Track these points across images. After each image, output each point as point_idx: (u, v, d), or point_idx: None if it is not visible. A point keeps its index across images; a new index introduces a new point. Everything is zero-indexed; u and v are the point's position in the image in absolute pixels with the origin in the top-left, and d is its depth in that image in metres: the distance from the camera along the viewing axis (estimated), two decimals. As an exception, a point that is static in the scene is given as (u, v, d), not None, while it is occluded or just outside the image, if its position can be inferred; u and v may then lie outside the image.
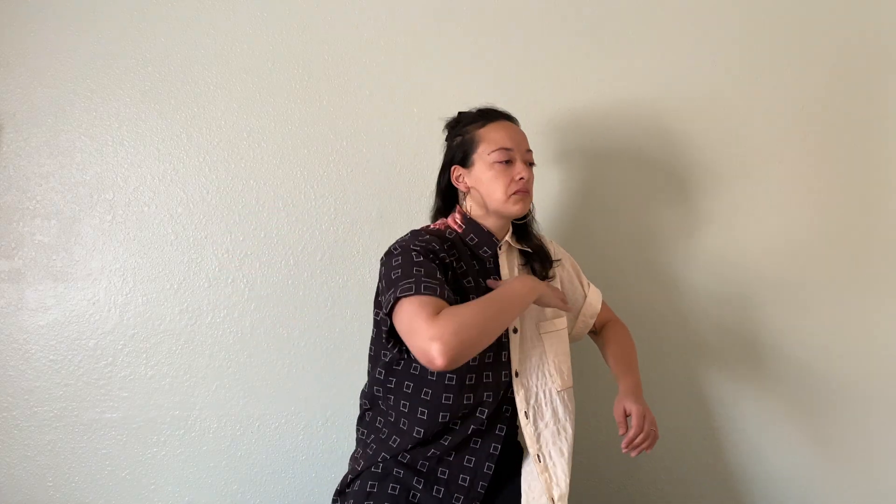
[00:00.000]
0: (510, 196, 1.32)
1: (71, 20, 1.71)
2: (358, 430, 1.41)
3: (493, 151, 1.32)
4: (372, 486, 1.28)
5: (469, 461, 1.30)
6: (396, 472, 1.29)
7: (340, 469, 1.64)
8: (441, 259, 1.26)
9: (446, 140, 1.42)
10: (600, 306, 1.54)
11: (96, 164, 1.70)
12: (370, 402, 1.38)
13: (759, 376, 1.76)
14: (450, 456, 1.30)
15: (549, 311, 1.41)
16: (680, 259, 1.76)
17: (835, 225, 1.77)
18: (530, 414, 1.33)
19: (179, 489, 1.70)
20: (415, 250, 1.24)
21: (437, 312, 1.12)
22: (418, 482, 1.28)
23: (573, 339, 1.52)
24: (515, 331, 1.35)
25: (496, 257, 1.37)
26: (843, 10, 1.79)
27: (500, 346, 1.32)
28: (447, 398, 1.28)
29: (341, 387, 1.70)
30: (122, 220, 1.70)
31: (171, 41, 1.72)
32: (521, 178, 1.32)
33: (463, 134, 1.37)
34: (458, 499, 1.27)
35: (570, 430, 1.35)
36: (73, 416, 1.68)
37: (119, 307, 1.69)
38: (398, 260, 1.24)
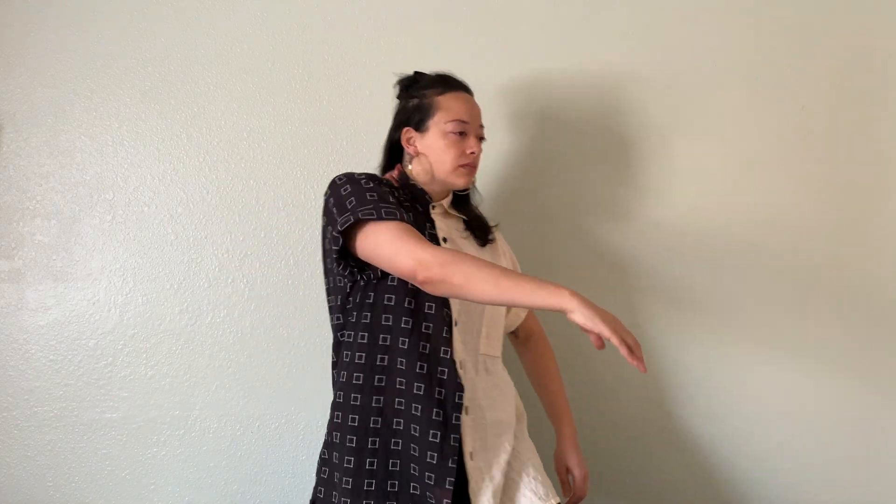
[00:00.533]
0: (457, 167, 1.34)
1: (71, 20, 1.71)
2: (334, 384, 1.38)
3: (449, 121, 1.34)
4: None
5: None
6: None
7: (340, 469, 1.64)
8: (391, 189, 1.29)
9: (398, 97, 1.43)
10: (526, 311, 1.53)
11: (96, 164, 1.70)
12: (336, 354, 1.36)
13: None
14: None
15: None
16: (681, 259, 1.76)
17: (835, 224, 1.77)
18: (466, 365, 1.29)
19: (179, 489, 1.70)
20: (362, 176, 1.27)
21: (417, 237, 1.17)
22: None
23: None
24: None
25: (428, 213, 1.36)
26: (843, 9, 1.79)
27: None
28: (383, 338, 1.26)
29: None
30: (122, 220, 1.70)
31: (171, 41, 1.72)
32: (472, 153, 1.35)
33: (420, 97, 1.37)
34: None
35: (505, 391, 1.35)
36: (73, 416, 1.68)
37: (119, 307, 1.69)
38: (346, 188, 1.26)
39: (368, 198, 1.22)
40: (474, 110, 1.38)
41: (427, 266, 1.14)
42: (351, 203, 1.23)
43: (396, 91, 1.44)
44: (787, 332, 1.76)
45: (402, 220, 1.20)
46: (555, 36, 1.77)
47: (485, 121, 1.42)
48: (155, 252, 1.70)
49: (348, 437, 1.27)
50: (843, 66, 1.79)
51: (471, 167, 1.36)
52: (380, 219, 1.19)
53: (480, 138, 1.38)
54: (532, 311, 1.56)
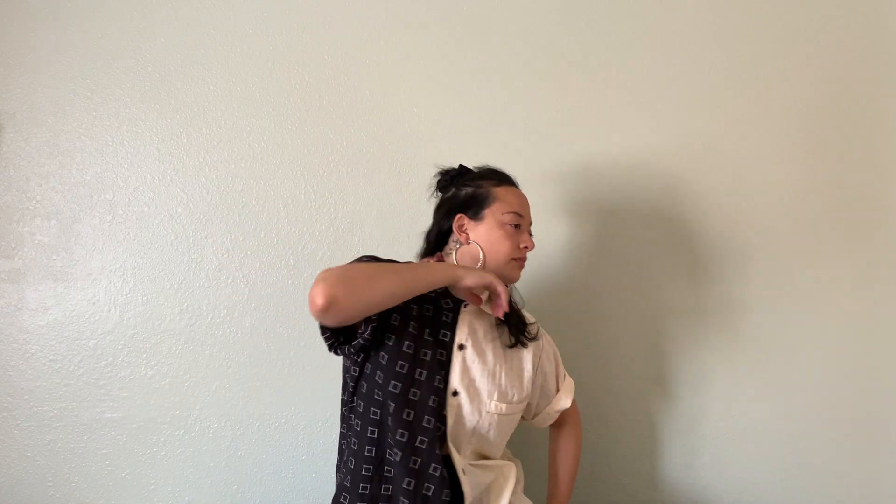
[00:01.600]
0: (511, 260, 1.31)
1: (71, 20, 1.71)
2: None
3: (507, 213, 1.31)
4: None
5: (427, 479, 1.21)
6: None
7: (340, 469, 1.64)
8: None
9: (441, 188, 1.41)
10: (568, 405, 1.44)
11: (96, 164, 1.70)
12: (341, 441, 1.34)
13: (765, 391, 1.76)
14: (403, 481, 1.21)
15: (517, 379, 1.33)
16: (681, 260, 1.77)
17: (834, 225, 1.77)
18: (468, 471, 1.25)
19: (179, 489, 1.70)
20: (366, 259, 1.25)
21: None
22: None
23: (533, 424, 1.48)
24: (455, 394, 1.26)
25: (456, 313, 1.31)
26: (843, 9, 1.79)
27: (434, 403, 1.23)
28: (390, 407, 1.21)
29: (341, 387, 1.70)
30: (122, 220, 1.70)
31: (171, 41, 1.73)
32: (525, 248, 1.32)
33: (476, 186, 1.35)
34: None
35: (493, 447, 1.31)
36: (73, 416, 1.68)
37: (119, 307, 1.69)
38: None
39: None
40: (527, 206, 1.36)
41: (325, 282, 1.08)
42: None
43: (438, 182, 1.42)
44: (787, 332, 1.76)
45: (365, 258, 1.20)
46: (554, 43, 1.78)
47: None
48: (155, 252, 1.70)
49: None
50: (842, 65, 1.79)
51: (522, 261, 1.33)
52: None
53: (530, 235, 1.36)
54: (575, 403, 1.49)
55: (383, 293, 1.13)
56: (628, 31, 1.78)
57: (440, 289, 1.30)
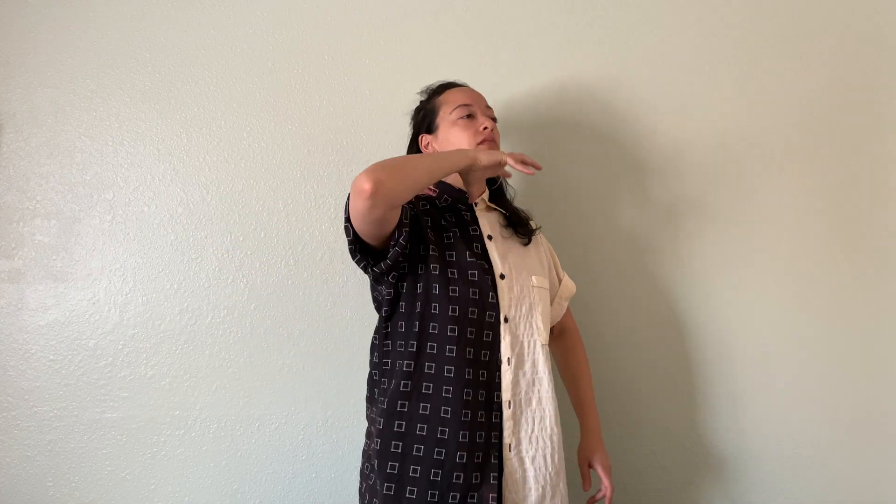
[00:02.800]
0: (477, 146, 1.37)
1: (71, 20, 1.71)
2: (368, 411, 1.38)
3: (454, 109, 1.40)
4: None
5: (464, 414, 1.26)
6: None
7: (340, 469, 1.65)
8: (414, 205, 1.34)
9: (411, 120, 1.52)
10: (574, 291, 1.57)
11: (96, 164, 1.70)
12: (372, 383, 1.37)
13: (757, 381, 1.76)
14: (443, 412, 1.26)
15: (538, 267, 1.43)
16: (671, 259, 1.76)
17: (835, 225, 1.77)
18: (513, 360, 1.32)
19: (179, 489, 1.70)
20: None
21: None
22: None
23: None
24: (503, 276, 1.34)
25: (473, 212, 1.41)
26: (843, 9, 1.79)
27: (488, 287, 1.31)
28: (433, 327, 1.28)
29: (341, 387, 1.70)
30: (122, 220, 1.70)
31: (172, 41, 1.73)
32: (486, 128, 1.38)
33: (424, 107, 1.47)
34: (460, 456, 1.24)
35: (545, 383, 1.34)
36: (73, 416, 1.68)
37: (119, 307, 1.69)
38: None
39: None
40: (475, 94, 1.43)
41: (368, 171, 1.16)
42: None
43: (411, 125, 1.52)
44: (790, 330, 1.76)
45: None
46: (555, 43, 1.78)
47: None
48: (155, 252, 1.70)
49: (393, 442, 1.26)
50: (842, 66, 1.79)
51: (489, 142, 1.38)
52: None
53: (492, 118, 1.42)
54: (569, 309, 1.59)
55: (420, 174, 1.22)
56: (623, 42, 1.78)
57: (454, 196, 1.40)
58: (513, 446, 1.30)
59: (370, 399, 1.37)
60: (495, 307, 1.32)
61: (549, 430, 1.33)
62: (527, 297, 1.36)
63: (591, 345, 1.69)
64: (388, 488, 1.24)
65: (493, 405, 1.29)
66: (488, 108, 1.44)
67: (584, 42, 1.78)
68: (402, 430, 1.26)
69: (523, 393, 1.32)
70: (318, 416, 1.71)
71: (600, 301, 1.75)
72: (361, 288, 1.71)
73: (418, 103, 1.51)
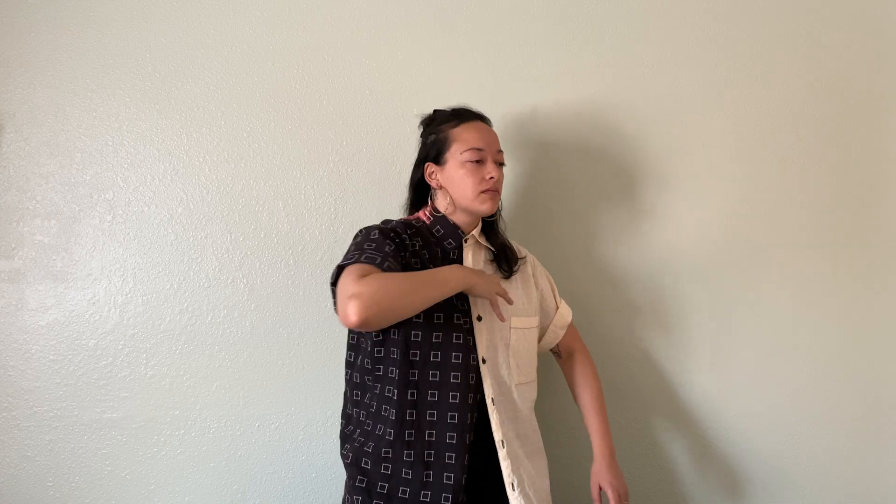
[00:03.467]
0: (479, 194, 1.37)
1: (71, 20, 1.71)
2: (342, 448, 1.39)
3: (465, 151, 1.37)
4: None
5: (448, 457, 1.29)
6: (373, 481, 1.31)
7: (340, 469, 1.64)
8: (402, 240, 1.32)
9: (421, 136, 1.47)
10: (570, 319, 1.58)
11: (96, 164, 1.70)
12: (347, 417, 1.40)
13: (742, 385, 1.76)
14: (424, 452, 1.29)
15: (521, 307, 1.44)
16: (672, 258, 1.76)
17: (832, 224, 1.77)
18: (497, 401, 1.34)
19: (179, 489, 1.70)
20: (375, 230, 1.32)
21: (365, 272, 1.17)
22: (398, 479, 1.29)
23: (541, 347, 1.55)
24: (479, 318, 1.36)
25: (460, 249, 1.41)
26: (843, 9, 1.79)
27: (466, 331, 1.33)
28: (412, 374, 1.29)
29: (341, 387, 1.70)
30: (122, 220, 1.70)
31: (172, 41, 1.73)
32: (491, 178, 1.37)
33: (437, 132, 1.42)
34: (445, 498, 1.27)
35: (524, 418, 1.38)
36: (73, 416, 1.68)
37: (119, 307, 1.69)
38: (357, 238, 1.32)
39: (364, 247, 1.25)
40: (489, 137, 1.41)
41: (360, 302, 1.12)
42: (346, 254, 1.27)
43: (420, 131, 1.48)
44: (787, 335, 1.76)
45: (372, 262, 1.20)
46: (554, 43, 1.78)
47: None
48: (155, 252, 1.70)
49: (380, 483, 1.31)
50: (843, 66, 1.79)
51: (492, 192, 1.38)
52: (351, 262, 1.21)
53: (500, 164, 1.41)
54: (572, 329, 1.60)
55: (409, 310, 1.19)
56: (624, 37, 1.78)
57: (447, 229, 1.40)
58: (516, 485, 1.31)
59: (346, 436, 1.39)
60: (474, 349, 1.33)
61: (538, 465, 1.38)
62: (503, 339, 1.38)
63: (592, 345, 1.69)
64: None
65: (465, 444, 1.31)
66: (499, 151, 1.41)
67: (585, 41, 1.78)
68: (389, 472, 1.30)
69: (513, 432, 1.35)
70: (318, 416, 1.71)
71: (601, 301, 1.75)
72: (361, 288, 1.71)
73: (430, 120, 1.46)
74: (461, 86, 1.75)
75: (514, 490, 1.31)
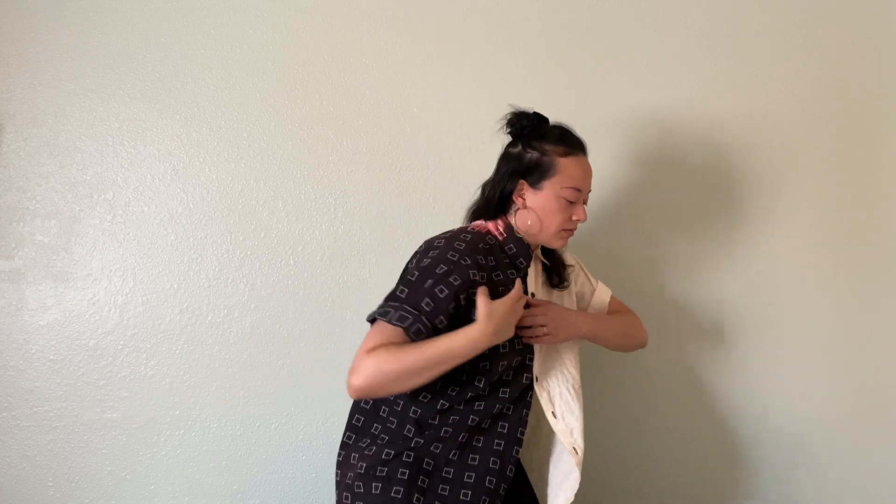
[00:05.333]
0: (560, 231, 1.35)
1: (71, 20, 1.71)
2: (348, 439, 1.37)
3: (566, 188, 1.32)
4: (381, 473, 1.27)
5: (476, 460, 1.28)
6: (402, 470, 1.26)
7: (340, 469, 1.64)
8: (470, 276, 1.24)
9: (517, 140, 1.37)
10: (608, 299, 1.54)
11: (96, 164, 1.70)
12: (369, 412, 1.36)
13: (765, 381, 1.76)
14: (459, 455, 1.28)
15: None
16: (683, 259, 1.76)
17: (840, 227, 1.77)
18: (558, 413, 1.34)
19: (179, 489, 1.70)
20: (446, 262, 1.24)
21: (384, 343, 1.17)
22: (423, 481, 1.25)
23: None
24: (536, 379, 1.35)
25: (527, 267, 1.38)
26: (844, 10, 1.79)
27: (526, 351, 1.33)
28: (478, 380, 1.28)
29: (341, 387, 1.68)
30: (122, 220, 1.70)
31: (172, 41, 1.72)
32: (577, 220, 1.35)
33: (542, 153, 1.33)
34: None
35: (575, 404, 1.37)
36: (73, 416, 1.68)
37: (119, 307, 1.69)
38: (423, 263, 1.26)
39: (413, 291, 1.22)
40: (588, 175, 1.36)
41: (362, 376, 1.16)
42: (399, 291, 1.24)
43: (510, 124, 1.37)
44: (788, 334, 1.76)
45: (402, 322, 1.18)
46: (556, 42, 1.78)
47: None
48: (155, 252, 1.70)
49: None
50: (843, 66, 1.79)
51: (572, 232, 1.37)
52: (385, 317, 1.20)
53: (585, 202, 1.38)
54: (615, 302, 1.55)
55: (405, 387, 1.19)
56: (620, 39, 1.78)
57: (518, 248, 1.35)
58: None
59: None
60: (530, 369, 1.34)
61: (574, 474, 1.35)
62: (556, 362, 1.38)
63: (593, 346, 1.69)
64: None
65: (509, 460, 1.31)
66: (589, 190, 1.38)
67: (584, 41, 1.78)
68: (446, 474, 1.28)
69: (563, 404, 1.36)
70: (318, 416, 1.71)
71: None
72: (361, 288, 1.71)
73: (532, 129, 1.36)
74: (462, 85, 1.75)
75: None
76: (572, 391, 1.36)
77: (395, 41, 1.75)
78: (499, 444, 1.29)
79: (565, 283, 1.45)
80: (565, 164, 1.33)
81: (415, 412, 1.28)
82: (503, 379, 1.30)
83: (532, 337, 1.31)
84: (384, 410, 1.32)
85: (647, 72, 1.77)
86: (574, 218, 1.35)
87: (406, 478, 1.24)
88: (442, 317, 1.20)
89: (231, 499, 1.71)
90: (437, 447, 1.27)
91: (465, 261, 1.25)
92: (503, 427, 1.30)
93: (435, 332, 1.19)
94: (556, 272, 1.44)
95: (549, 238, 1.35)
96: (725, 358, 1.77)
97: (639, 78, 1.77)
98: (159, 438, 1.69)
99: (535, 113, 1.38)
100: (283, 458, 1.72)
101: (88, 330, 1.69)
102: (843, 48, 1.79)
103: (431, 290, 1.21)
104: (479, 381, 1.27)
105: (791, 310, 1.77)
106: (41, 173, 1.69)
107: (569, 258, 1.51)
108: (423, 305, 1.20)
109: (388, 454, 1.26)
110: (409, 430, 1.28)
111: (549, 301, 1.38)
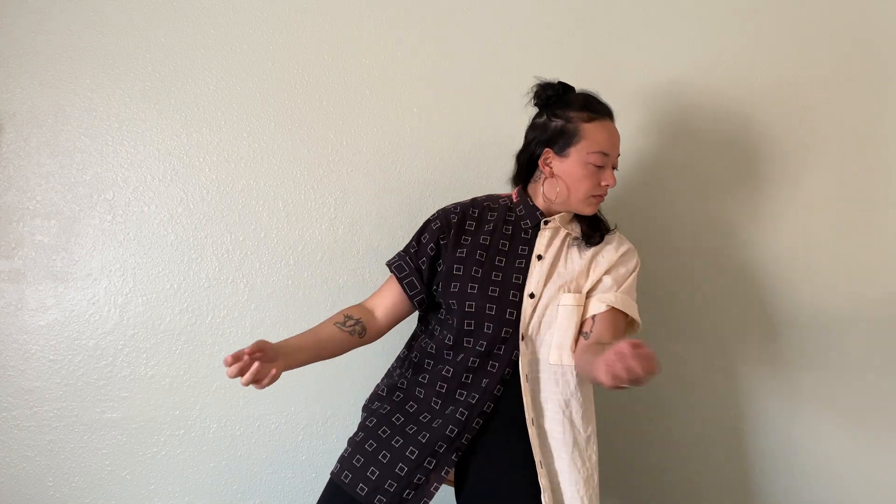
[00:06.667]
0: (590, 197, 1.35)
1: (71, 20, 1.71)
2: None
3: (592, 152, 1.33)
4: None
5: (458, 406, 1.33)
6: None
7: (340, 469, 1.64)
8: (449, 218, 1.40)
9: (543, 111, 1.38)
10: (603, 309, 1.33)
11: (96, 164, 1.70)
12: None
13: (777, 371, 1.76)
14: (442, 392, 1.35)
15: (574, 283, 1.35)
16: (672, 259, 1.76)
17: (847, 221, 1.76)
18: (531, 378, 1.34)
19: (179, 489, 1.70)
20: (436, 220, 1.41)
21: (376, 293, 1.45)
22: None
23: None
24: (532, 296, 1.34)
25: (536, 229, 1.38)
26: (845, 8, 1.79)
27: (510, 304, 1.34)
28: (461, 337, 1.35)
29: (341, 387, 1.70)
30: (122, 220, 1.70)
31: (171, 41, 1.72)
32: (607, 185, 1.35)
33: (566, 119, 1.35)
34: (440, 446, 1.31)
35: (554, 402, 1.34)
36: (73, 416, 1.68)
37: (119, 307, 1.69)
38: (424, 224, 1.44)
39: (412, 243, 1.42)
40: (616, 139, 1.37)
41: None
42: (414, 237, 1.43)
43: (536, 95, 1.39)
44: (786, 339, 1.76)
45: (400, 272, 1.40)
46: (554, 42, 1.77)
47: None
48: (155, 252, 1.70)
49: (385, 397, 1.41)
50: (844, 65, 1.79)
51: (601, 198, 1.37)
52: (387, 263, 1.43)
53: (614, 167, 1.38)
54: (613, 324, 1.38)
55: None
56: (623, 33, 1.78)
57: (525, 211, 1.40)
58: (544, 463, 1.32)
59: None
60: (514, 324, 1.34)
61: (570, 444, 1.33)
62: (550, 317, 1.35)
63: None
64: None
65: (477, 412, 1.32)
66: (618, 156, 1.38)
67: (584, 32, 1.78)
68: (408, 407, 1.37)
69: (542, 409, 1.34)
70: (318, 416, 1.71)
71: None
72: (361, 288, 1.71)
73: (559, 98, 1.37)
74: (462, 85, 1.75)
75: (541, 468, 1.31)
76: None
77: (396, 41, 1.75)
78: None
79: (594, 241, 1.38)
80: (590, 130, 1.33)
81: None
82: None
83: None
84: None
85: (651, 64, 1.76)
86: (603, 183, 1.35)
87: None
88: (424, 258, 1.38)
89: (231, 499, 1.71)
90: (419, 391, 1.37)
91: (453, 208, 1.41)
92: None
93: (418, 271, 1.39)
94: (591, 232, 1.39)
95: (578, 204, 1.36)
96: (725, 357, 1.76)
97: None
98: (159, 438, 1.69)
99: (559, 82, 1.39)
100: (283, 458, 1.72)
101: (88, 330, 1.69)
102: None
103: (419, 235, 1.41)
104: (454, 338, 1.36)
105: (793, 307, 1.76)
106: (41, 173, 1.70)
107: (622, 242, 1.41)
108: (409, 248, 1.41)
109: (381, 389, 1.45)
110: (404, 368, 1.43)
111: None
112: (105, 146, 1.71)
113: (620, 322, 1.36)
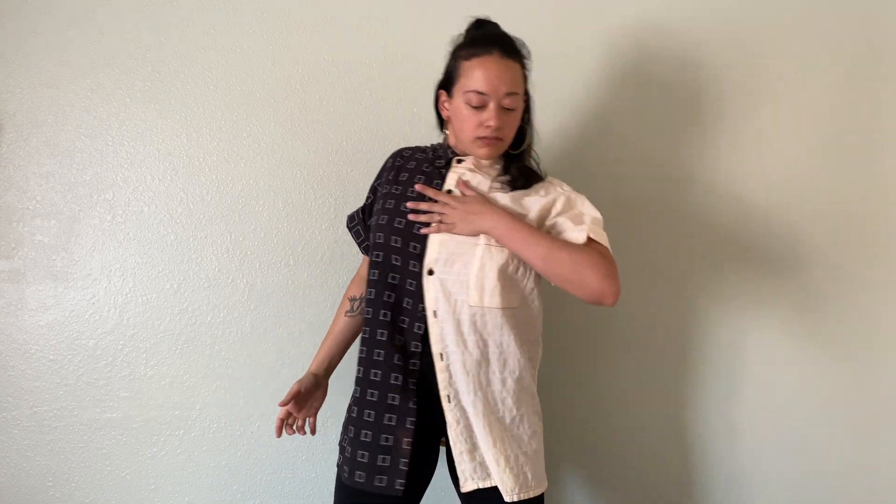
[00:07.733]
0: (475, 139, 1.31)
1: (71, 20, 1.71)
2: None
3: (468, 91, 1.28)
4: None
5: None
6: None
7: (340, 469, 1.64)
8: (386, 166, 1.45)
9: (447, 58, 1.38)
10: (583, 239, 1.26)
11: (96, 164, 1.70)
12: None
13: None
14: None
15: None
16: (669, 260, 1.76)
17: (836, 224, 1.77)
18: (439, 314, 1.28)
19: (179, 489, 1.70)
20: (387, 163, 1.47)
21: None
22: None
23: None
24: (431, 273, 1.29)
25: (448, 167, 1.37)
26: (845, 8, 1.79)
27: (413, 237, 1.31)
28: (372, 273, 1.35)
29: (341, 387, 1.70)
30: (122, 220, 1.70)
31: (172, 41, 1.72)
32: (489, 126, 1.28)
33: (454, 58, 1.34)
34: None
35: (471, 345, 1.28)
36: (73, 416, 1.68)
37: (119, 307, 1.69)
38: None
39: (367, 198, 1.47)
40: (497, 78, 1.26)
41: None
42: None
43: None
44: (788, 330, 1.76)
45: (348, 221, 1.50)
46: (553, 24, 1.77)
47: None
48: (155, 252, 1.70)
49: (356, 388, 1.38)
50: (845, 65, 1.79)
51: (491, 139, 1.29)
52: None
53: (510, 109, 1.29)
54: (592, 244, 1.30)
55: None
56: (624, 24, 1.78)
57: (441, 151, 1.41)
58: (451, 397, 1.28)
59: None
60: (419, 258, 1.29)
61: (497, 379, 1.28)
62: (463, 255, 1.27)
63: (591, 345, 1.69)
64: (342, 437, 1.39)
65: (408, 352, 1.30)
66: (508, 95, 1.27)
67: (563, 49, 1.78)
68: (359, 375, 1.36)
69: (453, 346, 1.27)
70: (318, 416, 1.71)
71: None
72: (361, 288, 1.71)
73: (461, 38, 1.35)
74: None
75: (449, 402, 1.28)
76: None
77: (396, 41, 1.75)
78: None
79: (519, 185, 1.33)
80: (467, 68, 1.29)
81: None
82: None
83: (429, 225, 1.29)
84: None
85: (639, 75, 1.77)
86: (485, 124, 1.28)
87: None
88: (367, 206, 1.46)
89: (231, 499, 1.71)
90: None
91: (394, 153, 1.46)
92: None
93: (363, 220, 1.46)
94: (523, 175, 1.34)
95: (468, 146, 1.33)
96: (724, 357, 1.76)
97: (632, 81, 1.76)
98: (159, 438, 1.69)
99: (475, 19, 1.38)
100: (283, 458, 1.72)
101: (88, 330, 1.69)
102: (845, 47, 1.79)
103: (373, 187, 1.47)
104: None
105: (792, 307, 1.76)
106: (41, 173, 1.70)
107: (556, 183, 1.37)
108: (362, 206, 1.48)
109: None
110: None
111: (473, 195, 1.30)
112: (105, 146, 1.71)
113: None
